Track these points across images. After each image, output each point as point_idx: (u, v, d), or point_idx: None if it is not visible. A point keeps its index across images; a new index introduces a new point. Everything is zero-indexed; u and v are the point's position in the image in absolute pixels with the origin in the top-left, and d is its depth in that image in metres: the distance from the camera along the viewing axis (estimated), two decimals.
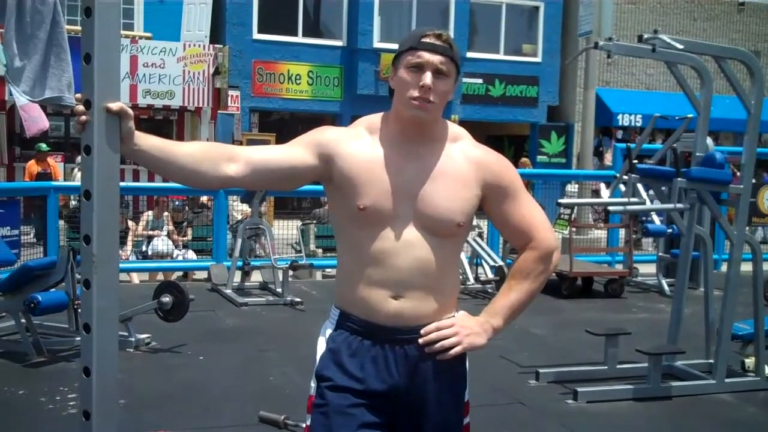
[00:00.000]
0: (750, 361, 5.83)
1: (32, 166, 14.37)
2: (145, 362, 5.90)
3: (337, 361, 2.28)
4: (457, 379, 2.34)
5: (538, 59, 21.91)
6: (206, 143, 2.39)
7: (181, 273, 10.53)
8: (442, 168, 2.26)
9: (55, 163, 14.69)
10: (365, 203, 2.22)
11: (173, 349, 6.20)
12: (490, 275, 8.75)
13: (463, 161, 2.29)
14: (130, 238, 10.43)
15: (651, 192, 6.79)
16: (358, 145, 2.28)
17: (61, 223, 9.71)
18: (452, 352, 2.24)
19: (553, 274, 5.72)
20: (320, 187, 2.35)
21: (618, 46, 5.92)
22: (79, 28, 2.02)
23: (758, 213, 7.01)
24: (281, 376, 5.63)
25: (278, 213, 13.96)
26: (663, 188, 6.03)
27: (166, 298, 6.18)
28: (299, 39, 19.89)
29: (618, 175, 7.67)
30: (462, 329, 2.26)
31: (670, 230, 9.03)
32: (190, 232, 10.97)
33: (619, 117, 21.89)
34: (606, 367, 5.79)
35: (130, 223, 10.57)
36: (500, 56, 21.53)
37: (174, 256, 10.54)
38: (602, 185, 13.37)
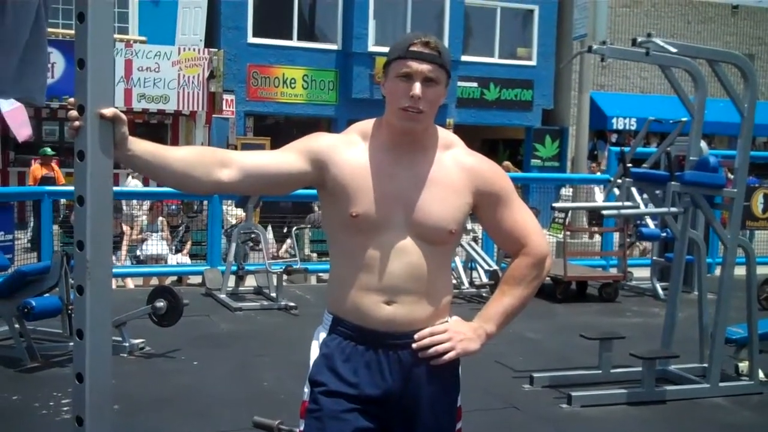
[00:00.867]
0: (744, 365, 5.83)
1: (36, 170, 14.44)
2: (139, 367, 5.89)
3: (331, 366, 2.28)
4: (451, 384, 2.35)
5: (533, 63, 21.93)
6: (200, 148, 2.39)
7: (175, 278, 10.51)
8: (434, 176, 2.27)
9: (58, 168, 14.70)
10: (357, 210, 2.22)
11: (167, 354, 6.19)
12: (485, 279, 8.76)
13: (455, 169, 2.30)
14: (125, 242, 10.41)
15: (645, 196, 6.80)
16: (352, 153, 2.28)
17: (55, 227, 9.70)
18: (446, 357, 2.24)
19: (548, 278, 5.72)
20: (314, 192, 2.35)
21: (612, 49, 5.93)
22: (71, 31, 2.01)
23: (752, 216, 7.02)
24: (275, 381, 5.62)
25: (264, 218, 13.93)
26: (657, 192, 6.05)
27: (160, 303, 6.17)
28: (294, 43, 19.88)
29: (612, 179, 7.68)
30: (455, 334, 2.26)
31: (664, 234, 9.04)
32: (189, 245, 10.93)
33: (614, 120, 21.92)
34: (600, 372, 5.79)
35: (125, 228, 10.55)
36: (495, 60, 21.54)
37: (168, 260, 10.51)
38: (596, 189, 13.39)
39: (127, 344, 6.09)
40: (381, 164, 2.26)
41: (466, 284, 8.91)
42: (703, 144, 6.30)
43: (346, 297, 2.27)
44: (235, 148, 15.25)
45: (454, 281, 8.37)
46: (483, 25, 21.51)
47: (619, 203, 6.52)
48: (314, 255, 11.06)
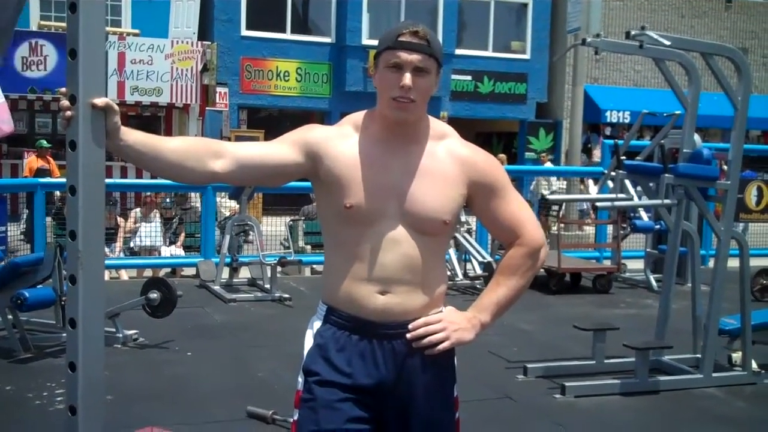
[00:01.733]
0: (737, 356, 5.86)
1: (32, 162, 14.51)
2: (133, 358, 5.89)
3: (325, 356, 2.28)
4: (445, 374, 2.35)
5: (527, 56, 21.92)
6: (193, 138, 2.39)
7: (169, 269, 10.50)
8: (427, 166, 2.27)
9: (53, 161, 14.72)
10: (351, 202, 2.22)
11: (161, 345, 6.19)
12: (479, 271, 8.77)
13: (449, 160, 2.30)
14: (120, 235, 10.39)
15: (639, 188, 6.82)
16: (345, 144, 2.28)
17: (48, 219, 9.69)
18: (440, 347, 2.24)
19: (542, 269, 5.73)
20: (309, 184, 2.35)
21: (606, 42, 5.94)
22: (64, 24, 2.01)
23: (745, 209, 7.02)
24: (269, 372, 5.63)
25: (267, 209, 13.94)
26: (651, 184, 6.06)
27: (154, 294, 6.17)
28: (288, 36, 19.84)
29: (606, 171, 7.70)
30: (450, 324, 2.26)
31: (657, 226, 9.08)
32: (182, 237, 10.91)
33: (608, 114, 21.92)
34: (594, 362, 5.81)
35: (120, 220, 10.53)
36: (489, 53, 21.52)
37: (161, 252, 10.50)
38: (590, 181, 13.42)
39: (120, 335, 6.09)
40: (374, 155, 2.26)
41: (460, 276, 8.92)
42: (696, 137, 6.31)
43: (341, 287, 2.27)
44: (229, 141, 15.22)
45: (448, 273, 8.38)
46: (477, 18, 21.49)
47: (613, 195, 6.54)
48: (308, 247, 11.05)
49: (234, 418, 4.58)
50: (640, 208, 9.06)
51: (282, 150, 2.28)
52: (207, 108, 17.68)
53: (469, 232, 9.42)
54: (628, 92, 22.42)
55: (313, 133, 2.31)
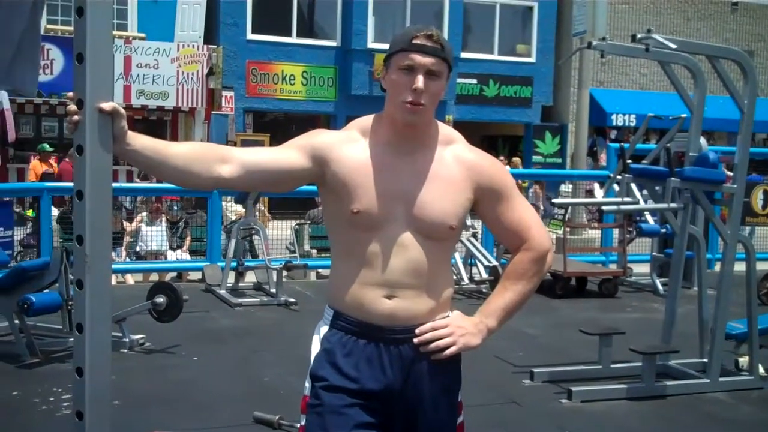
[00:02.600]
0: (744, 360, 5.84)
1: (37, 166, 14.52)
2: (139, 363, 5.89)
3: (332, 361, 2.27)
4: (452, 379, 2.35)
5: (532, 59, 21.92)
6: (199, 144, 2.39)
7: (175, 274, 10.50)
8: (435, 171, 2.27)
9: (56, 165, 14.76)
10: (358, 207, 2.22)
11: (167, 350, 6.19)
12: (485, 275, 8.76)
13: (456, 165, 2.30)
14: (125, 239, 10.41)
15: (645, 192, 6.80)
16: (352, 149, 2.28)
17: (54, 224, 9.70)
18: (447, 352, 2.24)
19: (548, 274, 5.72)
20: (314, 188, 2.35)
21: (611, 45, 5.93)
22: (71, 28, 2.01)
23: (752, 213, 7.02)
24: (275, 377, 5.62)
25: (273, 213, 13.95)
26: (657, 188, 6.04)
27: (160, 299, 6.17)
28: (293, 39, 19.86)
29: (612, 175, 7.68)
30: (457, 329, 2.26)
31: (663, 230, 9.05)
32: (188, 241, 10.92)
33: (613, 117, 21.91)
34: (600, 367, 5.79)
35: (125, 224, 10.55)
36: (494, 56, 21.53)
37: (167, 256, 10.51)
38: (596, 185, 13.39)
39: (127, 340, 6.09)
40: (381, 160, 2.26)
41: (466, 280, 8.91)
42: (702, 140, 6.30)
43: (347, 291, 2.27)
44: (235, 145, 15.24)
45: (454, 277, 8.37)
46: (482, 21, 21.49)
47: (619, 199, 6.52)
48: (314, 251, 11.04)
49: (240, 423, 4.57)
50: (646, 212, 9.04)
51: (289, 155, 2.28)
52: (213, 112, 17.71)
53: (474, 236, 9.41)
54: (633, 95, 22.41)
55: (319, 138, 2.31)
